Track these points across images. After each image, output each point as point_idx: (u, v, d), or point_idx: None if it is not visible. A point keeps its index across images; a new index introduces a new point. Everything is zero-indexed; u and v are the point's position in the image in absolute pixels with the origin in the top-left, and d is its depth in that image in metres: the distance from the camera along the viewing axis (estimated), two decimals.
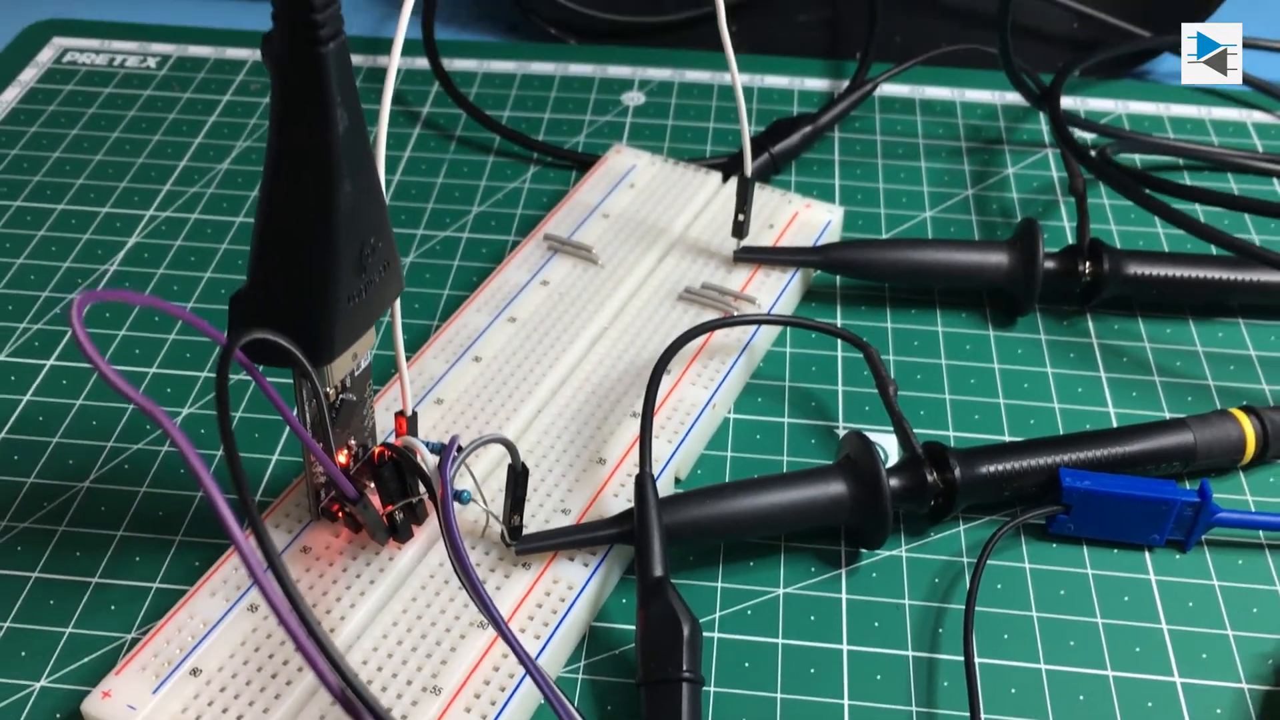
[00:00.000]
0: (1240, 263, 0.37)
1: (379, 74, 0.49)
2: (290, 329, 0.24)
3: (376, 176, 0.25)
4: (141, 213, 0.41)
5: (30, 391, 0.35)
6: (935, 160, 0.45)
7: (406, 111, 0.47)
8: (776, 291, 0.37)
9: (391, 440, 0.29)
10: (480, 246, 0.40)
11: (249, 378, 0.24)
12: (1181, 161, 0.44)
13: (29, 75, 0.48)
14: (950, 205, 0.42)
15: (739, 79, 0.34)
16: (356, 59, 0.50)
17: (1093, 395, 0.35)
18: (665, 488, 0.32)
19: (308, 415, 0.27)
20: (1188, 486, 0.32)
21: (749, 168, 0.36)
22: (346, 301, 0.25)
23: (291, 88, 0.22)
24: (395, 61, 0.25)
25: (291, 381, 0.26)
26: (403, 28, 0.26)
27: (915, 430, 0.34)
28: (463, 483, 0.29)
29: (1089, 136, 0.45)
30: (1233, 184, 0.43)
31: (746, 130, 0.35)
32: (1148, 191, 0.36)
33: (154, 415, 0.18)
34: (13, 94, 0.47)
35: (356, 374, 0.28)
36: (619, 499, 0.31)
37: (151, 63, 0.49)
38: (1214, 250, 0.38)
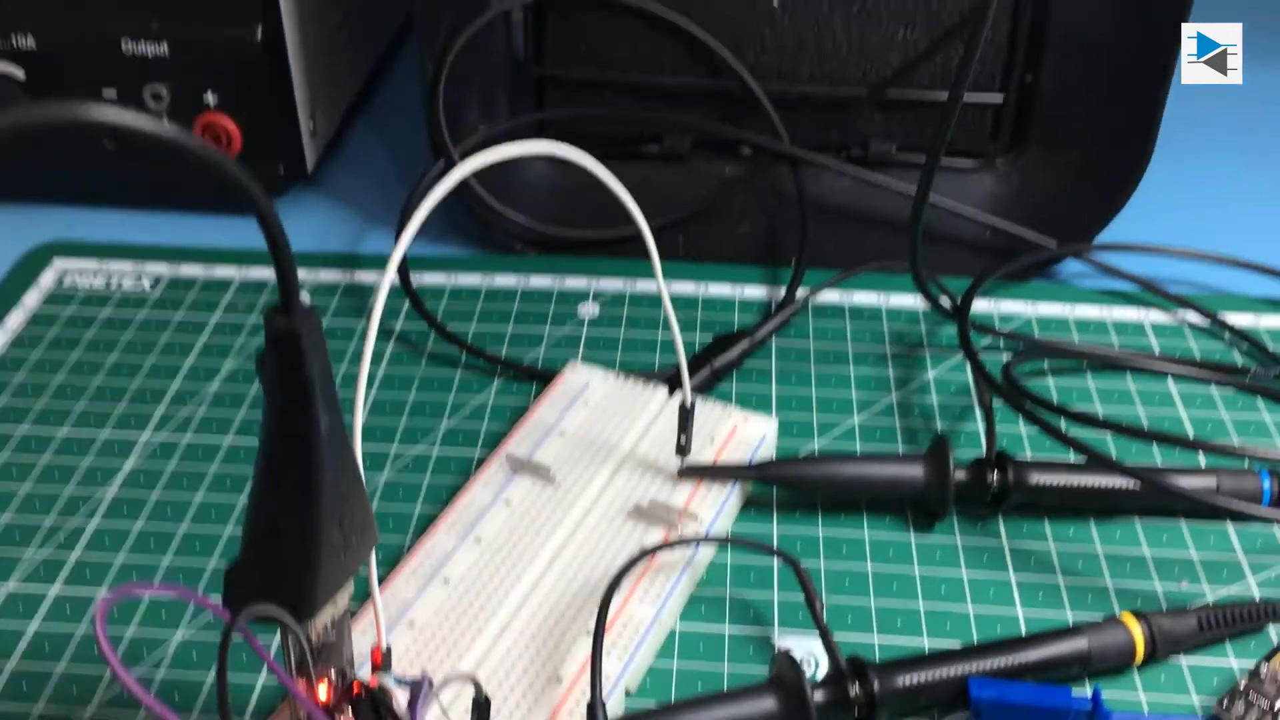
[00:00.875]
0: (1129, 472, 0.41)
1: (356, 289, 0.53)
2: (277, 594, 0.28)
3: (354, 460, 0.29)
4: (137, 435, 0.45)
5: (37, 620, 0.38)
6: (863, 366, 0.49)
7: (382, 329, 0.51)
8: (718, 503, 0.41)
9: (366, 677, 0.32)
10: (449, 462, 0.44)
11: None
12: (1085, 364, 0.49)
13: (33, 299, 0.52)
14: (877, 411, 0.47)
15: (670, 303, 0.38)
16: (335, 275, 0.54)
17: (1002, 597, 0.39)
18: (617, 704, 0.35)
19: (292, 658, 0.31)
20: (1086, 688, 0.36)
21: (689, 398, 0.40)
22: (328, 565, 0.29)
23: (281, 399, 0.26)
24: (377, 317, 0.29)
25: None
26: (387, 282, 0.30)
27: (844, 636, 0.37)
28: (431, 712, 0.33)
29: (1002, 340, 0.50)
30: (1130, 382, 0.48)
31: (684, 365, 0.40)
32: (1035, 411, 0.41)
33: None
34: (17, 319, 0.51)
35: (337, 618, 0.31)
36: (574, 717, 0.34)
37: (146, 283, 0.53)
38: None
